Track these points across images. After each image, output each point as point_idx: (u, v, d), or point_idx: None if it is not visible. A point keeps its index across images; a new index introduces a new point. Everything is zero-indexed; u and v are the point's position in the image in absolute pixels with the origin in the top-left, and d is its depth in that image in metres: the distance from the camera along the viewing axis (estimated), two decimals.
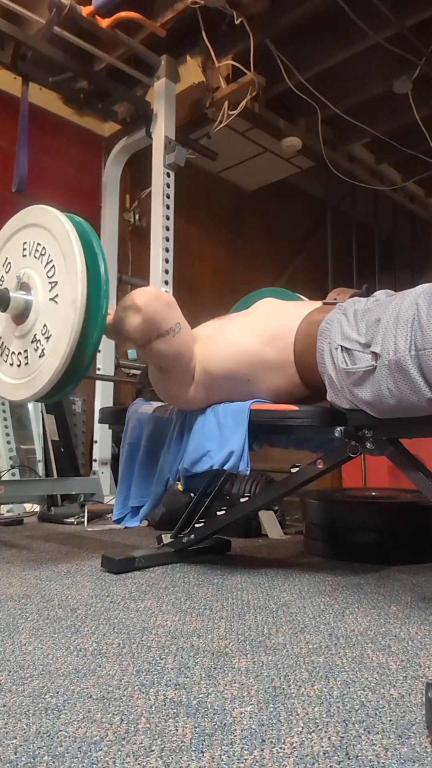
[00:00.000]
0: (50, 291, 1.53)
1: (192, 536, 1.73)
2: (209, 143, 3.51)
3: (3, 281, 1.67)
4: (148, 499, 1.67)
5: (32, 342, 1.55)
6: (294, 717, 0.75)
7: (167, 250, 2.97)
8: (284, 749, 0.67)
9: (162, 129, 3.02)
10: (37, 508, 2.87)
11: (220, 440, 1.48)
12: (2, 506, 2.80)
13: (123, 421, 1.79)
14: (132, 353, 3.75)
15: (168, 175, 3.00)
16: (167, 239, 2.97)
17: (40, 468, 3.00)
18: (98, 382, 3.34)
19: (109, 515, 2.44)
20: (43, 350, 1.51)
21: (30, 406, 3.13)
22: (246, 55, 2.88)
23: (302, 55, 3.09)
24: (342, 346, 1.29)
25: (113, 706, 0.79)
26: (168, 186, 3.00)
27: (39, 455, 3.04)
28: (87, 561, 1.74)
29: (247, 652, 0.99)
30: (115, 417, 1.97)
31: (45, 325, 1.52)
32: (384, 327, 1.21)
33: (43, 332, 1.52)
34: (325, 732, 0.71)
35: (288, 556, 1.94)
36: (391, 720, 0.75)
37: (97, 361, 3.38)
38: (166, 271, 2.97)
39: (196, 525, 1.75)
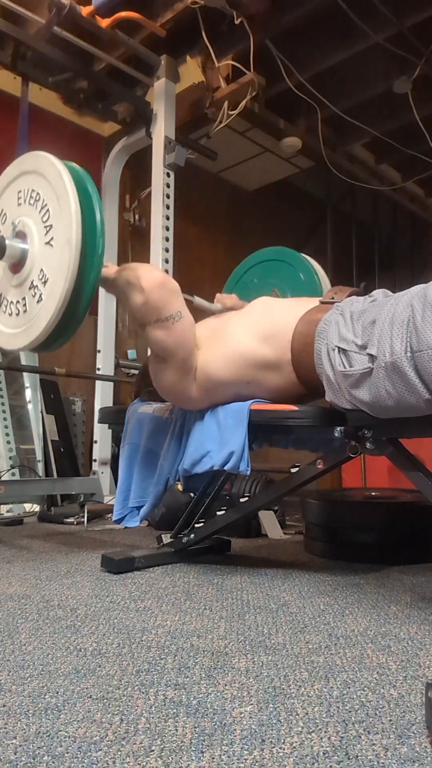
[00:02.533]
0: (45, 235, 1.52)
1: (192, 536, 1.73)
2: (209, 143, 3.51)
3: (0, 231, 1.66)
4: (148, 499, 1.67)
5: (30, 288, 1.54)
6: (294, 717, 0.75)
7: (167, 250, 2.97)
8: (284, 749, 0.67)
9: (162, 129, 3.02)
10: (36, 508, 2.87)
11: (220, 440, 1.48)
12: (2, 506, 2.81)
13: (123, 421, 1.79)
14: (132, 353, 3.76)
15: (168, 175, 3.00)
16: (167, 239, 2.97)
17: (40, 468, 3.00)
18: (98, 382, 3.34)
19: (109, 515, 2.44)
20: (40, 295, 1.50)
21: (30, 406, 3.13)
22: (246, 55, 2.87)
23: (302, 55, 3.09)
24: (339, 348, 1.29)
25: (113, 706, 0.78)
26: (168, 186, 3.00)
27: (39, 455, 3.04)
28: (87, 561, 1.74)
29: (247, 652, 0.99)
30: (115, 417, 1.97)
31: (42, 270, 1.51)
32: (380, 329, 1.21)
33: (40, 277, 1.51)
34: (325, 732, 0.71)
35: (288, 556, 1.94)
36: (391, 720, 0.75)
37: (97, 361, 3.39)
38: (166, 271, 2.97)
39: (196, 525, 1.75)
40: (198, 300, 1.78)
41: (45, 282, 1.49)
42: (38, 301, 1.50)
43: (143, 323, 1.48)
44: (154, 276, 1.48)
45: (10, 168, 1.69)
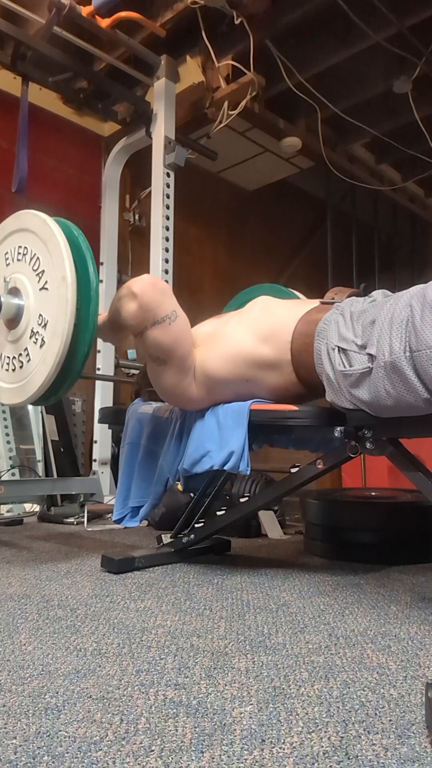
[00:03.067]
0: (38, 282, 1.54)
1: (192, 536, 1.73)
2: (209, 143, 3.52)
3: None
4: (148, 499, 1.67)
5: (30, 337, 1.55)
6: (294, 717, 0.75)
7: (167, 250, 2.97)
8: (284, 749, 0.67)
9: (162, 129, 3.02)
10: (36, 508, 2.87)
11: (220, 440, 1.48)
12: (2, 506, 2.81)
13: (123, 421, 1.79)
14: (132, 353, 3.75)
15: (168, 175, 3.00)
16: (167, 239, 2.97)
17: (40, 468, 3.00)
18: (98, 382, 3.34)
19: (109, 515, 2.44)
20: (42, 338, 1.51)
21: (30, 406, 3.13)
22: (246, 55, 2.88)
23: (302, 55, 3.09)
24: (339, 347, 1.29)
25: (113, 706, 0.78)
26: (168, 186, 3.00)
27: (39, 455, 3.04)
28: (87, 561, 1.74)
29: (246, 652, 0.99)
30: (115, 417, 1.97)
31: (40, 315, 1.52)
32: (379, 328, 1.22)
33: (39, 322, 1.52)
34: (325, 732, 0.71)
35: (288, 556, 1.94)
36: (391, 720, 0.75)
37: (97, 361, 3.39)
38: (166, 271, 2.97)
39: (196, 525, 1.75)
40: None
41: (45, 325, 1.50)
42: (41, 346, 1.51)
43: (141, 330, 1.47)
44: (142, 279, 1.49)
45: None
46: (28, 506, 2.89)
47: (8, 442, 3.02)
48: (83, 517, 2.55)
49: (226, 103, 3.10)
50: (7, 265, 1.65)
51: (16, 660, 0.95)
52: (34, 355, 1.54)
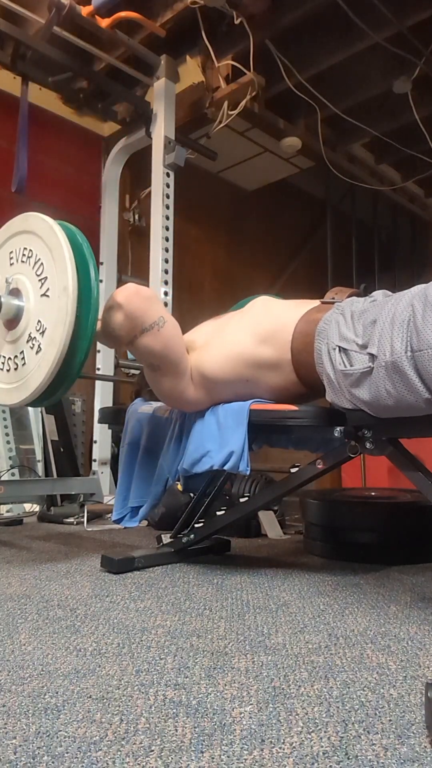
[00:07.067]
0: (40, 288, 1.54)
1: (192, 536, 1.73)
2: (209, 143, 3.51)
3: None
4: (148, 499, 1.67)
5: (27, 341, 1.55)
6: (294, 717, 0.75)
7: (167, 250, 2.97)
8: (284, 749, 0.67)
9: (162, 129, 3.02)
10: (36, 508, 2.87)
11: (219, 440, 1.48)
12: (2, 506, 2.80)
13: (123, 421, 1.79)
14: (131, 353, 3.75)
15: (168, 175, 3.00)
16: (167, 239, 2.97)
17: (40, 468, 3.00)
18: (98, 382, 3.34)
19: (109, 515, 2.44)
20: (39, 345, 1.51)
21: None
22: (246, 55, 2.87)
23: (302, 55, 3.08)
24: (339, 347, 1.29)
25: (113, 706, 0.78)
26: (168, 186, 3.00)
27: (38, 455, 3.04)
28: (87, 561, 1.74)
29: (246, 652, 0.99)
30: (115, 417, 1.97)
31: (39, 321, 1.52)
32: (380, 328, 1.22)
33: (38, 328, 1.52)
34: (325, 732, 0.71)
35: (288, 556, 1.94)
36: (390, 720, 0.75)
37: (97, 361, 3.38)
38: (166, 271, 2.97)
39: (196, 525, 1.75)
40: None
41: (43, 332, 1.50)
42: (37, 352, 1.51)
43: (130, 340, 1.47)
44: (126, 288, 1.48)
45: None
46: (27, 506, 2.89)
47: (8, 442, 3.02)
48: (83, 517, 2.55)
49: (225, 103, 3.10)
50: (11, 264, 1.65)
51: (15, 660, 0.95)
52: (30, 360, 1.54)
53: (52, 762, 0.64)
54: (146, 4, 2.87)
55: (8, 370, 1.61)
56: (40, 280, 1.54)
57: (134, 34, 2.91)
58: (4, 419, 3.05)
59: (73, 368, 1.50)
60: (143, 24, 2.79)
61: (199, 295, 3.97)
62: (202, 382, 1.52)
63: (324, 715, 0.76)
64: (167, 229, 2.97)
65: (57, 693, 0.82)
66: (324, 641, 1.05)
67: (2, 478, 2.76)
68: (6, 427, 3.04)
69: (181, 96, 3.20)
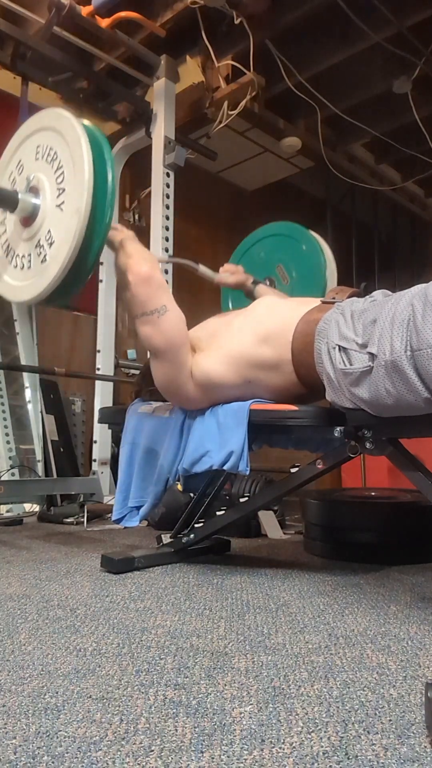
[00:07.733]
0: (58, 197, 1.52)
1: (191, 536, 1.73)
2: (209, 143, 3.51)
3: (15, 183, 1.67)
4: (148, 499, 1.67)
5: (36, 247, 1.55)
6: (294, 717, 0.75)
7: (167, 250, 2.97)
8: (284, 749, 0.67)
9: (162, 129, 3.02)
10: (36, 508, 2.87)
11: (219, 440, 1.48)
12: (2, 506, 2.80)
13: (123, 421, 1.79)
14: (132, 353, 3.75)
15: (168, 175, 3.00)
16: (167, 239, 2.97)
17: (40, 468, 3.00)
18: (98, 382, 3.33)
19: (109, 515, 2.43)
20: (45, 256, 1.51)
21: (29, 406, 3.13)
22: (246, 55, 2.87)
23: (302, 55, 3.09)
24: (339, 346, 1.29)
25: (113, 706, 0.78)
26: (168, 186, 3.00)
27: (38, 455, 3.04)
28: (87, 561, 1.74)
29: (246, 652, 0.99)
30: (115, 417, 1.96)
31: (49, 231, 1.52)
32: (380, 327, 1.22)
33: (47, 238, 1.52)
34: (325, 732, 0.71)
35: (288, 556, 1.94)
36: (390, 720, 0.75)
37: (97, 361, 3.38)
38: (166, 271, 2.97)
39: (196, 525, 1.75)
40: (203, 269, 1.86)
41: (51, 244, 1.50)
42: (42, 262, 1.52)
43: (131, 316, 1.53)
44: (139, 270, 1.50)
45: (32, 120, 1.68)
46: (27, 506, 2.89)
47: (8, 442, 3.02)
48: (83, 517, 2.55)
49: (225, 103, 3.10)
50: (36, 159, 1.62)
51: (15, 660, 0.95)
52: (35, 266, 1.54)
53: (52, 762, 0.64)
54: (146, 4, 2.87)
55: (22, 268, 1.60)
56: (58, 188, 1.52)
57: (134, 34, 2.90)
58: (5, 419, 3.05)
59: (74, 283, 1.49)
60: (143, 24, 2.79)
61: (199, 296, 3.97)
62: (204, 381, 1.52)
63: (324, 715, 0.76)
64: (167, 229, 2.97)
65: (57, 693, 0.82)
66: (324, 641, 1.05)
67: (2, 478, 2.76)
68: (6, 427, 3.04)
69: (181, 96, 3.20)
